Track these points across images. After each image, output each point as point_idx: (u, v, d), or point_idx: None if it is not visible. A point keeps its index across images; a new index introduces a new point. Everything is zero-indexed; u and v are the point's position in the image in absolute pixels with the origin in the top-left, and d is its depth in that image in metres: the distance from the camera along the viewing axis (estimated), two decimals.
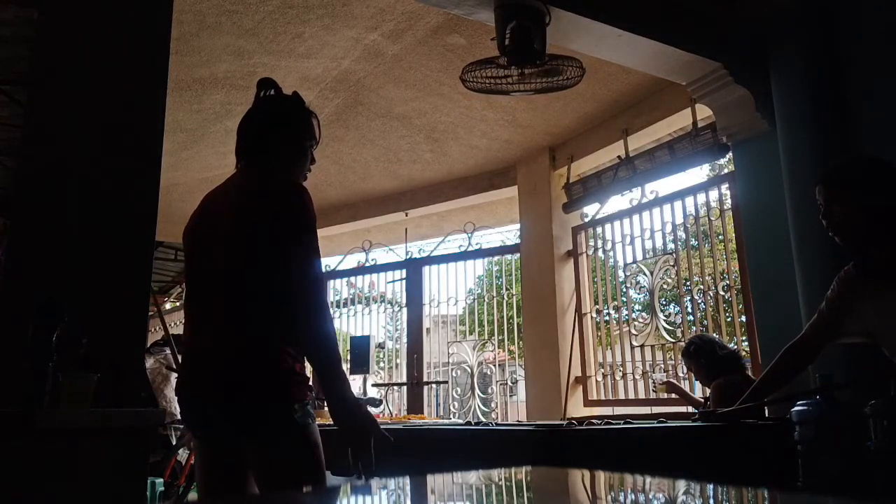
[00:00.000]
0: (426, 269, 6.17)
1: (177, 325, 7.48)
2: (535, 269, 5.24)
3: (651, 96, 4.34)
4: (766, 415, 2.33)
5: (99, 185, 1.90)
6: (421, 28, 3.67)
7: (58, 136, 1.89)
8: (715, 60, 3.14)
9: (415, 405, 5.77)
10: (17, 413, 1.48)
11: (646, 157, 4.45)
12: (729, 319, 6.47)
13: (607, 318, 4.86)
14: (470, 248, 5.98)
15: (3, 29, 3.23)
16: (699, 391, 3.82)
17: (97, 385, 1.56)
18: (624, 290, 4.79)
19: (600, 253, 5.02)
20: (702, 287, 4.20)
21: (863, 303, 1.94)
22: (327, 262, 6.61)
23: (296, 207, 1.60)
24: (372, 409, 3.99)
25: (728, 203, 4.15)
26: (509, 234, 6.99)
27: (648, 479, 0.89)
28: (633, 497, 0.81)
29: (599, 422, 2.32)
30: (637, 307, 5.78)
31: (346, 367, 1.68)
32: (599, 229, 4.98)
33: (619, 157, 4.63)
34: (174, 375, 4.60)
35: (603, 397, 4.78)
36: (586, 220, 5.13)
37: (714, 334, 4.09)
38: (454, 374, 6.15)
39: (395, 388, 6.52)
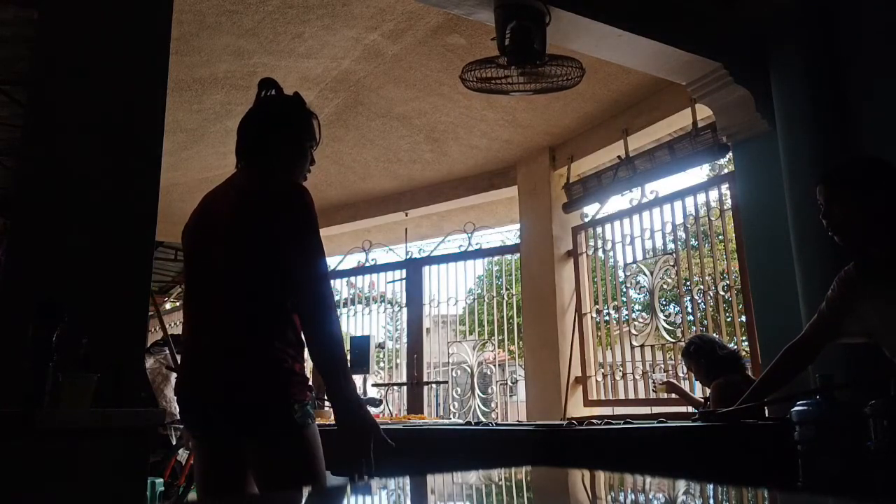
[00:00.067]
0: (426, 269, 6.17)
1: (176, 325, 7.48)
2: (535, 269, 5.24)
3: (651, 96, 4.34)
4: (766, 415, 2.32)
5: (99, 185, 1.90)
6: (421, 28, 3.67)
7: (58, 136, 1.89)
8: (715, 60, 3.14)
9: (415, 405, 5.77)
10: (17, 413, 1.48)
11: (646, 157, 4.45)
12: (729, 319, 6.47)
13: (607, 318, 4.86)
14: (470, 248, 5.98)
15: (3, 29, 3.24)
16: (699, 391, 3.82)
17: (97, 385, 1.56)
18: (624, 290, 4.79)
19: (600, 253, 5.02)
20: (702, 287, 4.20)
21: (863, 303, 1.94)
22: (327, 262, 6.60)
23: (297, 207, 1.60)
24: (372, 409, 3.99)
25: (728, 203, 4.15)
26: (509, 234, 7.00)
27: (648, 479, 0.89)
28: (633, 497, 0.81)
29: (599, 422, 2.32)
30: (637, 307, 5.78)
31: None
32: (599, 229, 4.98)
33: (619, 157, 4.63)
34: (174, 375, 4.60)
35: (603, 397, 4.78)
36: (586, 220, 5.13)
37: (714, 334, 4.08)
38: (454, 374, 6.15)
39: (395, 388, 6.52)
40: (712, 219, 4.19)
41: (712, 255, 4.82)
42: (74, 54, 1.96)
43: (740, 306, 4.24)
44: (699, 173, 10.15)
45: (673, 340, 4.37)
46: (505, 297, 5.95)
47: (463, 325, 8.55)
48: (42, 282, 1.77)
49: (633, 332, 4.65)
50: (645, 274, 4.62)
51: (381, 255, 6.64)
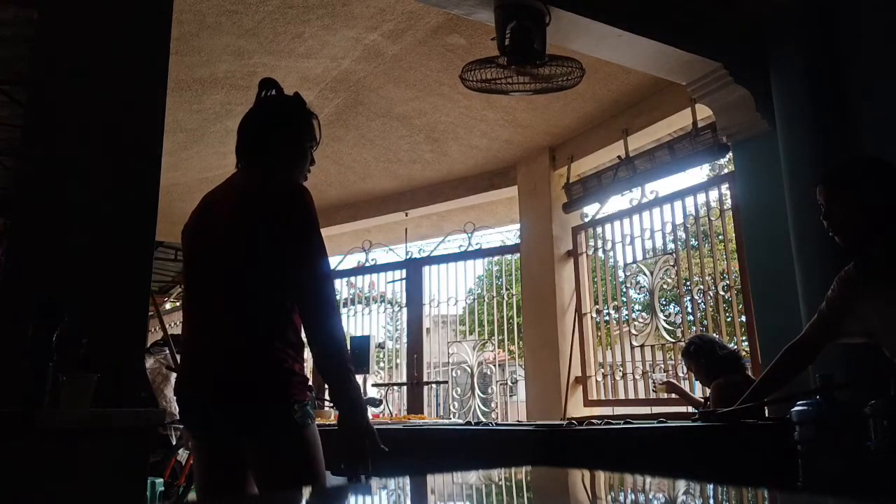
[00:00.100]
0: (426, 269, 6.17)
1: (176, 325, 7.48)
2: (535, 269, 5.24)
3: (651, 96, 4.34)
4: (766, 415, 2.32)
5: (99, 185, 1.90)
6: (421, 28, 3.67)
7: (58, 136, 1.89)
8: (715, 60, 3.14)
9: (415, 405, 5.77)
10: (17, 413, 1.48)
11: (646, 157, 4.45)
12: (729, 319, 6.47)
13: (607, 318, 4.86)
14: (470, 248, 5.98)
15: (3, 29, 3.23)
16: (699, 391, 3.82)
17: (97, 385, 1.56)
18: (624, 290, 4.79)
19: (600, 253, 5.02)
20: (702, 287, 4.20)
21: (863, 303, 1.94)
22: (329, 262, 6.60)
23: (298, 207, 1.60)
24: (372, 409, 3.99)
25: (728, 203, 4.15)
26: (509, 234, 7.00)
27: (648, 479, 0.89)
28: (633, 497, 0.81)
29: (599, 422, 2.31)
30: (637, 307, 5.79)
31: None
32: (599, 229, 4.98)
33: (619, 157, 4.63)
34: (174, 375, 4.60)
35: (603, 397, 4.78)
36: (586, 220, 5.13)
37: (714, 334, 4.09)
38: (454, 374, 6.15)
39: (395, 388, 6.52)
40: (712, 219, 4.19)
41: (712, 255, 4.82)
42: (74, 54, 1.96)
43: (740, 306, 4.24)
44: (699, 173, 10.15)
45: (673, 340, 4.37)
46: (505, 297, 5.95)
47: (463, 325, 8.55)
48: (42, 282, 1.77)
49: (633, 332, 4.65)
50: (645, 274, 4.62)
51: (381, 255, 6.65)
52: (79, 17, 1.99)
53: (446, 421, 3.80)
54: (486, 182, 5.75)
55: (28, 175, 1.87)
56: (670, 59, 3.16)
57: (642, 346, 4.50)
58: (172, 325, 7.10)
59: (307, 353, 1.62)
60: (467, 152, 5.34)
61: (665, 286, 4.55)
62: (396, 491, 0.91)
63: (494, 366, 6.70)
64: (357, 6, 3.44)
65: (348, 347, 1.64)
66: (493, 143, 5.16)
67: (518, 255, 5.62)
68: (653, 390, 4.43)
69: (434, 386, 6.44)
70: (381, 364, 7.01)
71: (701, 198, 4.21)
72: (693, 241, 4.63)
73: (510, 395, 7.19)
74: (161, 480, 4.51)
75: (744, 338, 3.92)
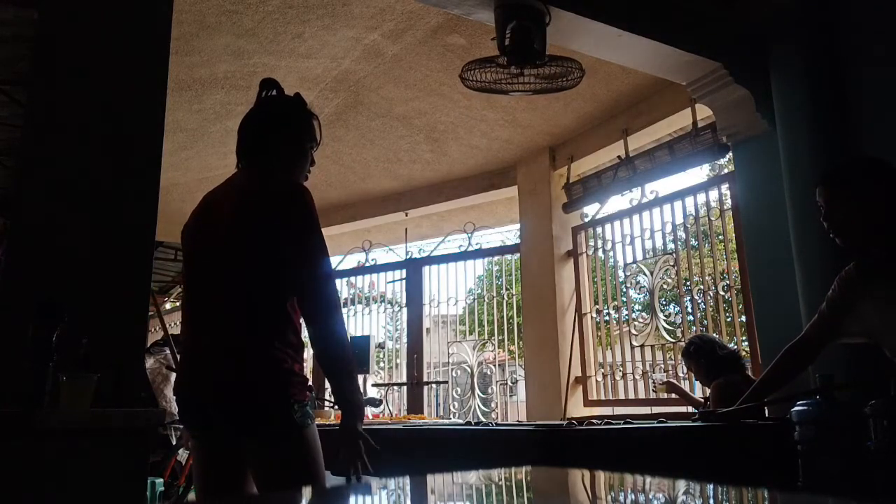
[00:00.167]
0: (426, 269, 6.17)
1: (176, 326, 7.48)
2: (535, 269, 5.24)
3: (651, 96, 4.34)
4: (766, 415, 2.32)
5: (99, 185, 1.90)
6: (421, 28, 3.67)
7: (58, 136, 1.89)
8: (715, 60, 3.14)
9: (415, 405, 5.77)
10: (17, 413, 1.48)
11: (646, 157, 4.44)
12: (729, 319, 6.47)
13: (607, 318, 4.86)
14: (470, 248, 5.98)
15: (3, 29, 3.23)
16: (699, 391, 3.82)
17: (97, 385, 1.56)
18: (624, 290, 4.79)
19: (600, 253, 5.03)
20: (702, 287, 4.20)
21: (864, 303, 1.94)
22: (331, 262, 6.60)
23: (298, 207, 1.60)
24: (372, 409, 3.99)
25: (728, 203, 4.15)
26: (509, 234, 7.00)
27: (648, 479, 0.89)
28: (633, 497, 0.81)
29: (599, 422, 2.31)
30: (637, 307, 5.78)
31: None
32: (599, 229, 4.98)
33: (619, 157, 4.63)
34: (174, 375, 4.59)
35: (603, 397, 4.78)
36: (586, 220, 5.13)
37: (714, 334, 4.09)
38: (454, 374, 6.15)
39: (395, 388, 6.52)
40: (712, 219, 4.19)
41: (712, 255, 4.82)
42: (74, 54, 1.96)
43: (740, 306, 4.24)
44: (699, 173, 10.15)
45: (673, 340, 4.37)
46: (505, 297, 5.95)
47: (463, 325, 8.55)
48: (42, 282, 1.77)
49: (633, 332, 4.65)
50: (645, 274, 4.62)
51: (381, 255, 6.65)
52: (79, 17, 1.99)
53: (446, 421, 3.80)
54: (486, 182, 5.75)
55: (28, 175, 1.87)
56: (670, 59, 3.16)
57: (642, 346, 4.50)
58: (172, 325, 7.10)
59: (307, 354, 1.62)
60: (467, 152, 5.34)
61: (665, 286, 4.55)
62: (396, 491, 0.91)
63: (494, 366, 6.70)
64: (357, 6, 3.44)
65: (349, 347, 1.64)
66: (493, 143, 5.16)
67: (518, 255, 5.62)
68: (653, 390, 4.43)
69: (434, 386, 6.44)
70: (381, 364, 7.01)
71: (701, 198, 4.21)
72: (693, 241, 4.63)
73: (510, 395, 7.19)
74: (161, 480, 4.50)
75: (744, 338, 3.92)
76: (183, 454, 4.69)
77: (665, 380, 3.92)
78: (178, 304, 9.67)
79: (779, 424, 1.75)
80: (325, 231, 1.66)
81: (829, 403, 1.48)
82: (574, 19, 2.83)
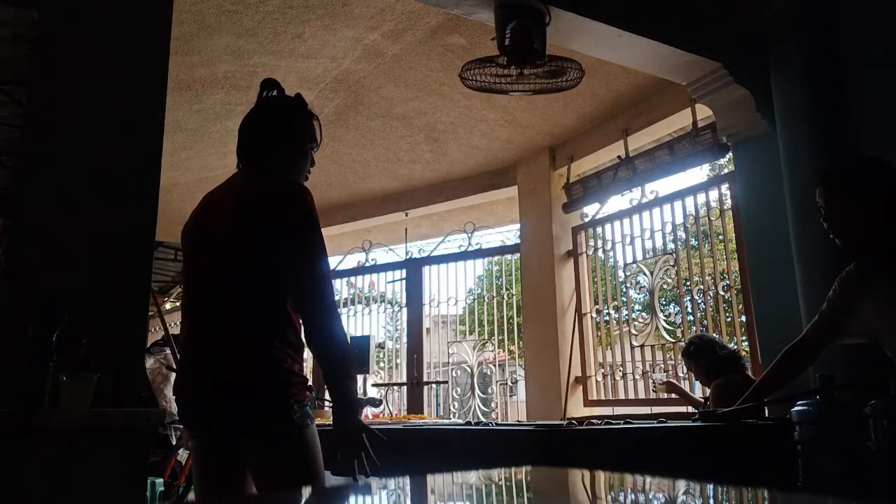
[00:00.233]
0: (426, 269, 6.17)
1: (176, 325, 7.47)
2: (535, 269, 5.24)
3: (651, 96, 4.34)
4: (766, 415, 2.32)
5: (99, 185, 1.90)
6: (421, 28, 3.67)
7: (58, 136, 1.89)
8: (715, 60, 3.14)
9: (415, 405, 5.77)
10: (17, 413, 1.48)
11: (646, 157, 4.44)
12: (729, 319, 6.47)
13: (607, 318, 4.86)
14: (470, 248, 5.98)
15: (3, 29, 3.23)
16: (699, 391, 3.82)
17: (97, 385, 1.56)
18: (624, 290, 4.79)
19: (600, 253, 5.02)
20: (702, 287, 4.20)
21: (864, 303, 1.94)
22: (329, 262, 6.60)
23: (298, 207, 1.60)
24: (372, 409, 3.98)
25: (728, 203, 4.15)
26: (509, 234, 7.00)
27: (648, 479, 0.89)
28: (633, 497, 0.81)
29: (599, 422, 2.31)
30: (637, 307, 5.78)
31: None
32: (599, 229, 4.98)
33: (619, 157, 4.63)
34: (174, 375, 4.59)
35: (603, 397, 4.78)
36: (586, 220, 5.13)
37: (714, 334, 4.09)
38: (454, 374, 6.15)
39: (395, 388, 6.52)
40: (712, 219, 4.19)
41: (712, 255, 4.82)
42: (74, 54, 1.96)
43: (740, 306, 4.24)
44: (699, 173, 10.14)
45: (673, 340, 4.37)
46: (505, 297, 5.95)
47: (463, 325, 8.55)
48: (42, 282, 1.77)
49: (633, 332, 4.65)
50: (645, 274, 4.62)
51: (381, 255, 6.65)
52: (79, 17, 1.99)
53: (446, 421, 3.80)
54: (486, 182, 5.75)
55: (28, 175, 1.87)
56: (670, 59, 3.16)
57: (642, 346, 4.50)
58: (172, 325, 7.10)
59: (307, 354, 1.62)
60: (467, 152, 5.34)
61: (665, 286, 4.55)
62: (396, 491, 0.91)
63: (494, 366, 6.70)
64: (357, 6, 3.44)
65: (348, 347, 1.64)
66: (493, 143, 5.16)
67: (518, 255, 5.62)
68: (653, 390, 4.43)
69: (434, 386, 6.44)
70: (381, 364, 7.01)
71: (701, 198, 4.21)
72: (693, 241, 4.63)
73: (510, 395, 7.19)
74: (161, 480, 4.50)
75: (744, 338, 3.92)
76: (183, 454, 4.69)
77: (665, 380, 3.92)
78: (178, 304, 9.67)
79: (779, 424, 1.75)
80: (325, 231, 1.66)
81: (829, 403, 1.48)
82: (574, 19, 2.83)
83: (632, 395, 4.54)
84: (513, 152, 5.35)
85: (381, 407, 4.96)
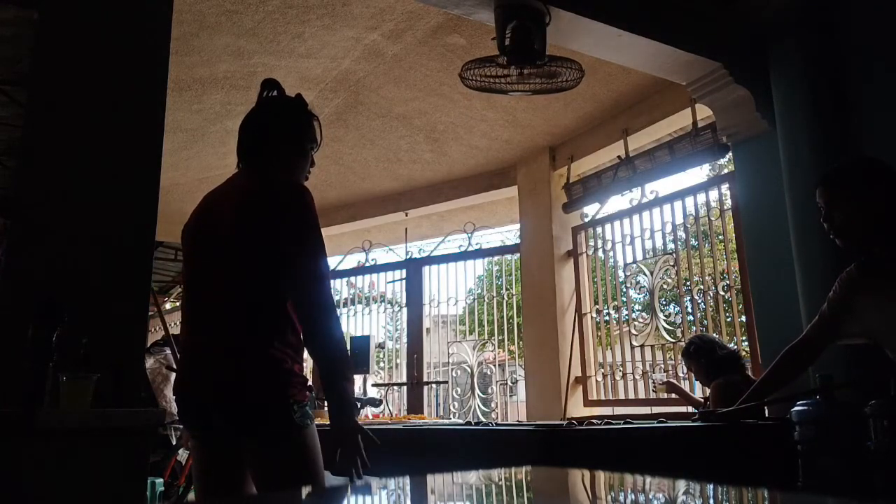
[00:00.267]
0: (426, 269, 6.17)
1: (176, 325, 7.47)
2: (535, 269, 5.24)
3: (651, 96, 4.34)
4: (766, 415, 2.33)
5: (99, 185, 1.90)
6: (421, 28, 3.67)
7: (58, 136, 1.89)
8: (715, 60, 3.14)
9: (415, 405, 5.77)
10: (17, 413, 1.48)
11: (646, 157, 4.45)
12: (729, 319, 6.47)
13: (607, 318, 4.86)
14: (470, 248, 5.98)
15: (3, 29, 3.23)
16: (699, 391, 3.82)
17: (97, 385, 1.56)
18: (624, 290, 4.79)
19: (600, 253, 5.02)
20: (702, 287, 4.20)
21: (865, 304, 1.94)
22: (328, 263, 6.60)
23: (298, 207, 1.60)
24: (372, 409, 3.97)
25: (728, 203, 4.15)
26: (509, 234, 7.00)
27: (648, 479, 0.89)
28: (633, 497, 0.81)
29: (599, 422, 2.31)
30: (637, 307, 5.78)
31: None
32: (599, 229, 4.98)
33: (619, 157, 4.63)
34: (174, 375, 4.59)
35: (603, 397, 4.78)
36: (586, 220, 5.13)
37: (714, 334, 4.09)
38: (454, 374, 6.15)
39: (395, 388, 6.52)
40: (712, 219, 4.19)
41: (712, 255, 4.82)
42: (74, 54, 1.96)
43: (740, 306, 4.24)
44: (699, 173, 10.13)
45: (673, 340, 4.37)
46: (505, 297, 5.95)
47: (463, 325, 8.55)
48: (42, 282, 1.77)
49: (633, 332, 4.65)
50: (645, 274, 4.62)
51: (381, 255, 6.65)
52: (79, 17, 1.99)
53: (446, 421, 3.80)
54: (486, 182, 5.75)
55: (28, 175, 1.87)
56: (670, 59, 3.16)
57: (642, 346, 4.50)
58: (172, 325, 7.10)
59: (307, 354, 1.62)
60: (467, 152, 5.34)
61: (665, 286, 4.55)
62: (396, 491, 0.91)
63: (494, 366, 6.70)
64: (357, 6, 3.44)
65: (345, 348, 1.64)
66: (493, 143, 5.16)
67: (518, 255, 5.62)
68: (653, 390, 4.43)
69: (434, 386, 6.44)
70: (381, 364, 7.01)
71: (701, 198, 4.21)
72: (693, 241, 4.63)
73: (510, 395, 7.19)
74: (161, 480, 4.51)
75: (744, 338, 3.92)
76: (183, 454, 4.69)
77: (665, 380, 3.92)
78: (178, 304, 9.67)
79: (779, 424, 1.75)
80: (325, 231, 1.66)
81: (829, 403, 1.48)
82: (574, 19, 2.83)
83: (632, 395, 4.54)
84: (513, 152, 5.35)
85: (381, 407, 4.96)
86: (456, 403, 6.03)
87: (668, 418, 2.25)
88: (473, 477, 1.02)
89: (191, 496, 4.28)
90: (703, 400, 3.36)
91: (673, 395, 3.72)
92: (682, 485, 0.80)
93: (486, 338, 6.19)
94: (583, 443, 1.88)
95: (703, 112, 3.92)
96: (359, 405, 3.76)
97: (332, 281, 1.66)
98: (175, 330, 5.99)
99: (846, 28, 2.92)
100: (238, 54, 3.83)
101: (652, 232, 4.51)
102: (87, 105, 1.94)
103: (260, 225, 1.59)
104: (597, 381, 4.83)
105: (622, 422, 2.29)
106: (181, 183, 5.68)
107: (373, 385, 5.98)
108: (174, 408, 1.76)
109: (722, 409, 2.09)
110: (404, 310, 6.24)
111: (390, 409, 6.33)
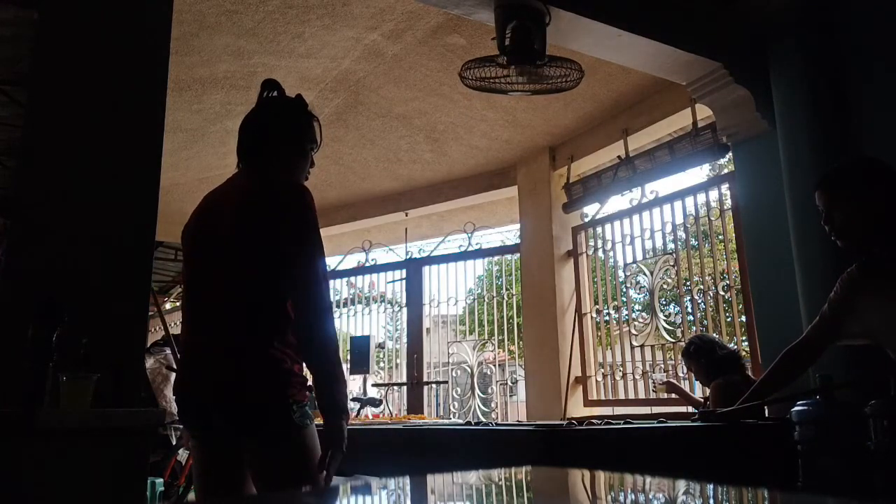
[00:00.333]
0: (426, 269, 6.17)
1: (176, 325, 7.47)
2: (535, 269, 5.24)
3: (651, 96, 4.34)
4: (766, 415, 2.32)
5: (99, 185, 1.91)
6: (421, 28, 3.67)
7: (58, 136, 1.89)
8: (715, 60, 3.14)
9: (415, 405, 5.77)
10: (17, 413, 1.48)
11: (646, 157, 4.45)
12: (729, 319, 6.47)
13: (607, 318, 4.86)
14: (470, 248, 5.98)
15: (3, 29, 3.23)
16: (699, 391, 3.82)
17: (97, 385, 1.56)
18: (624, 290, 4.79)
19: (600, 253, 5.02)
20: (702, 287, 4.20)
21: (866, 304, 1.94)
22: (327, 263, 6.60)
23: (298, 207, 1.60)
24: (372, 409, 3.97)
25: (728, 203, 4.15)
26: (509, 234, 7.00)
27: (648, 479, 0.89)
28: (633, 497, 0.81)
29: (599, 422, 2.31)
30: (637, 307, 5.78)
31: (345, 367, 1.70)
32: (599, 229, 4.98)
33: (619, 157, 4.63)
34: (174, 375, 4.59)
35: (603, 397, 4.78)
36: (586, 220, 5.13)
37: (714, 334, 4.09)
38: (454, 374, 6.15)
39: (395, 388, 6.52)
40: (712, 219, 4.19)
41: (712, 255, 4.82)
42: (74, 54, 1.96)
43: (740, 306, 4.24)
44: (699, 173, 10.13)
45: (673, 340, 4.37)
46: (505, 297, 5.95)
47: (463, 325, 8.55)
48: (42, 282, 1.77)
49: (633, 332, 4.65)
50: (645, 274, 4.62)
51: (381, 255, 6.65)
52: (79, 17, 1.99)
53: (446, 421, 3.80)
54: (486, 182, 5.75)
55: (28, 175, 1.87)
56: (670, 59, 3.16)
57: (642, 346, 4.50)
58: (172, 325, 7.10)
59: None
60: (467, 152, 5.34)
61: (665, 286, 4.55)
62: (396, 491, 0.91)
63: (494, 366, 6.70)
64: (357, 6, 3.44)
65: (343, 348, 1.64)
66: (493, 143, 5.16)
67: (518, 255, 5.62)
68: (653, 390, 4.43)
69: (434, 386, 6.44)
70: (381, 364, 7.01)
71: (701, 198, 4.21)
72: (693, 241, 4.63)
73: (510, 395, 7.19)
74: (161, 480, 4.51)
75: (744, 338, 3.92)
76: (183, 454, 4.69)
77: (665, 380, 3.92)
78: (178, 304, 9.67)
79: (779, 424, 1.75)
80: (325, 231, 1.66)
81: (829, 403, 1.48)
82: (574, 19, 2.83)
83: (632, 395, 4.54)
84: (513, 152, 5.35)
85: (381, 407, 4.96)
86: (456, 403, 6.03)
87: (668, 418, 2.25)
88: (473, 477, 1.02)
89: (191, 496, 4.28)
90: (703, 400, 3.36)
91: (673, 395, 3.72)
92: (682, 485, 0.80)
93: (486, 338, 6.19)
94: (583, 443, 1.88)
95: (703, 112, 3.92)
96: (359, 405, 3.77)
97: (332, 281, 1.66)
98: (175, 330, 5.98)
99: (846, 28, 2.92)
100: (238, 54, 3.83)
101: (652, 232, 4.51)
102: (86, 105, 1.94)
103: (260, 225, 1.59)
104: (597, 381, 4.83)
105: (622, 422, 2.29)
106: (181, 183, 5.68)
107: (373, 385, 5.99)
108: (174, 408, 1.76)
109: (722, 409, 2.09)
110: (404, 310, 6.24)
111: (390, 409, 6.33)
